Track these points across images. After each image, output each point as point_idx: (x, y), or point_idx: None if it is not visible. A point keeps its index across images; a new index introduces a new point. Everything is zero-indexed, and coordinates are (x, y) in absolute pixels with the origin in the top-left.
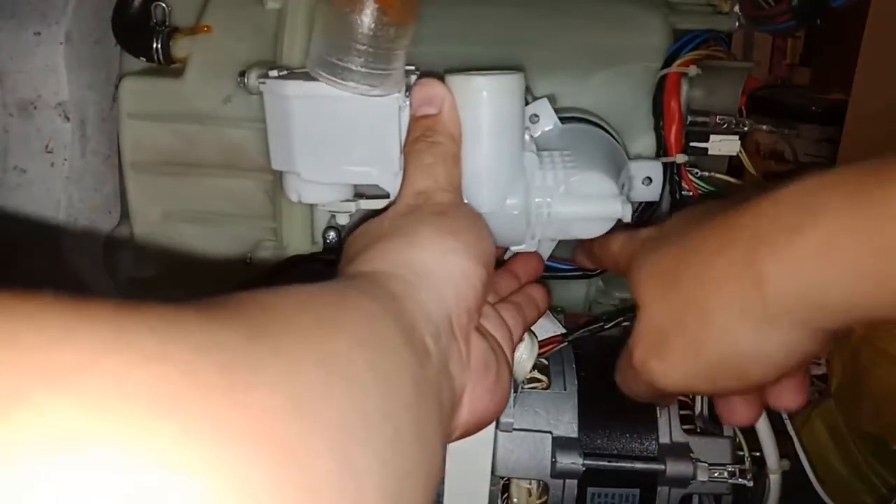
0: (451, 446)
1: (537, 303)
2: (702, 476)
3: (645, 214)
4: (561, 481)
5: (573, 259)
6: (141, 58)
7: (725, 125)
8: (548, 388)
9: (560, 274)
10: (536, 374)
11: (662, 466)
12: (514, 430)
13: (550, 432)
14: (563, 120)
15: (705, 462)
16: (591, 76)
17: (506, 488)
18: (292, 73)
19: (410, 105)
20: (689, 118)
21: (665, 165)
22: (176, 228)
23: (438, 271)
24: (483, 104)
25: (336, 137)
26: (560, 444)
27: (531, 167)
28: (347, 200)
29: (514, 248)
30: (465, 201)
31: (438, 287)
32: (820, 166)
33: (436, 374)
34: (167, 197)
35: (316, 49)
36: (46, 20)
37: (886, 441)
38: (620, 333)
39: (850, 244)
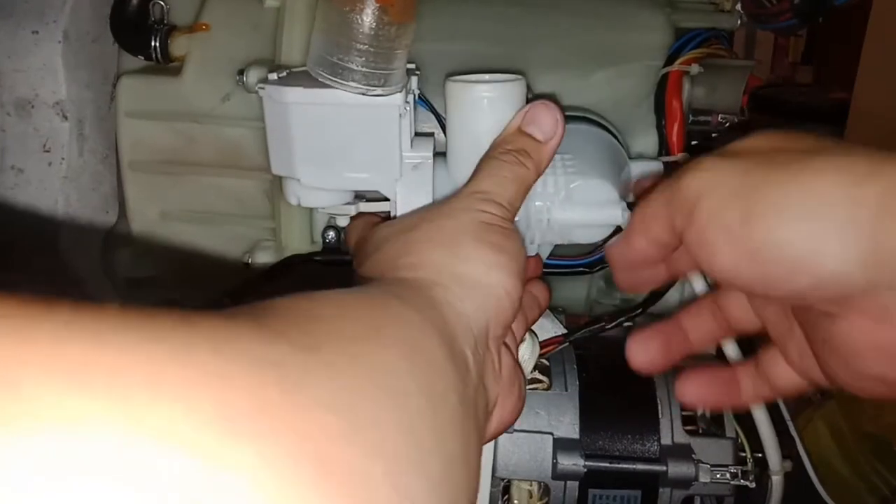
0: None
1: (539, 301)
2: (704, 477)
3: None
4: (562, 483)
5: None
6: (139, 56)
7: (727, 124)
8: (549, 388)
9: (559, 270)
10: (537, 375)
11: (664, 468)
12: (515, 431)
13: (551, 433)
14: (565, 119)
15: (707, 463)
16: (592, 74)
17: (506, 490)
18: (292, 74)
19: (514, 118)
20: (691, 117)
21: (666, 165)
22: (174, 228)
23: (481, 284)
24: (484, 111)
25: (336, 144)
26: (561, 445)
27: None
28: (347, 204)
29: None
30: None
31: (480, 300)
32: None
33: (474, 389)
34: (165, 196)
35: (316, 48)
36: (44, 19)
37: (889, 442)
38: (621, 334)
39: None
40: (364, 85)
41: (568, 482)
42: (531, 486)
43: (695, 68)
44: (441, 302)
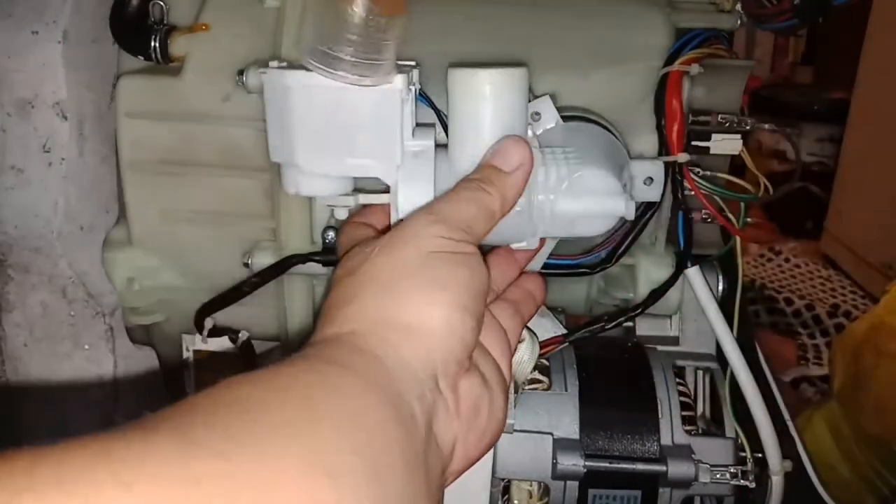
0: None
1: (534, 296)
2: (704, 477)
3: (646, 214)
4: (562, 483)
5: None
6: (139, 56)
7: (727, 124)
8: (548, 388)
9: (561, 270)
10: (537, 375)
11: (664, 468)
12: (515, 431)
13: (551, 433)
14: (564, 118)
15: (707, 463)
16: (592, 74)
17: (506, 490)
18: (292, 66)
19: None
20: (691, 117)
21: (667, 165)
22: (174, 228)
23: (422, 326)
24: (486, 98)
25: (336, 129)
26: (561, 445)
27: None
28: (346, 194)
29: (516, 246)
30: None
31: (422, 344)
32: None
33: (423, 443)
34: (165, 196)
35: (308, 38)
36: (44, 19)
37: (888, 442)
38: (622, 334)
39: None
40: (353, 75)
41: (568, 482)
42: (531, 486)
43: (695, 68)
44: (381, 358)
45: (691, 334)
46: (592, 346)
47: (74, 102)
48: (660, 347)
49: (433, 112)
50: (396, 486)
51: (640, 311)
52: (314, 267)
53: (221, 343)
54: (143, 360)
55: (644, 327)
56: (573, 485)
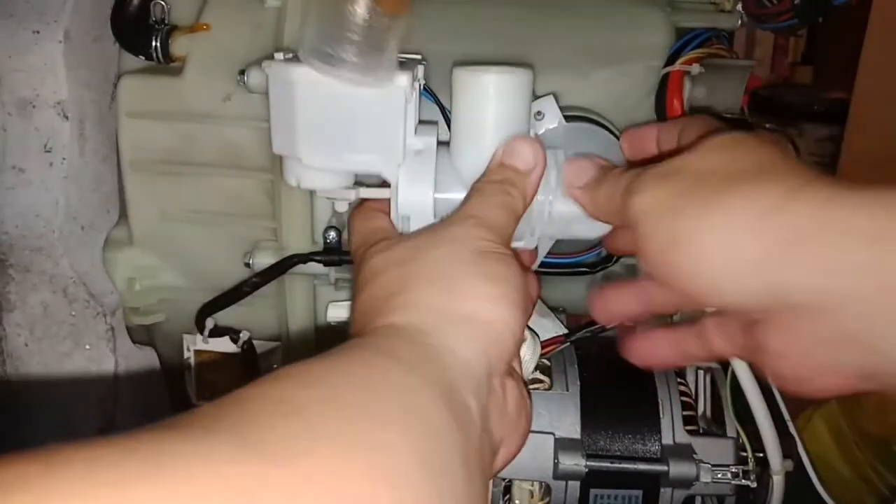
0: None
1: (531, 296)
2: (705, 477)
3: None
4: (563, 482)
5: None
6: (140, 56)
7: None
8: (550, 388)
9: (561, 269)
10: (538, 375)
11: (665, 467)
12: None
13: (553, 433)
14: (565, 119)
15: (708, 463)
16: (593, 74)
17: (507, 490)
18: (297, 59)
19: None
20: None
21: None
22: (174, 228)
23: (479, 322)
24: (489, 99)
25: (340, 124)
26: (562, 445)
27: None
28: (347, 188)
29: (513, 245)
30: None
31: (479, 338)
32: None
33: (478, 440)
34: (166, 196)
35: (309, 37)
36: (45, 18)
37: (889, 442)
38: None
39: None
40: (355, 74)
41: (569, 482)
42: (532, 486)
43: (695, 68)
44: (438, 350)
45: None
46: (593, 345)
47: (75, 102)
48: None
49: (437, 107)
50: (455, 486)
51: None
52: (315, 267)
53: (222, 343)
54: (144, 360)
55: (645, 327)
56: (574, 484)
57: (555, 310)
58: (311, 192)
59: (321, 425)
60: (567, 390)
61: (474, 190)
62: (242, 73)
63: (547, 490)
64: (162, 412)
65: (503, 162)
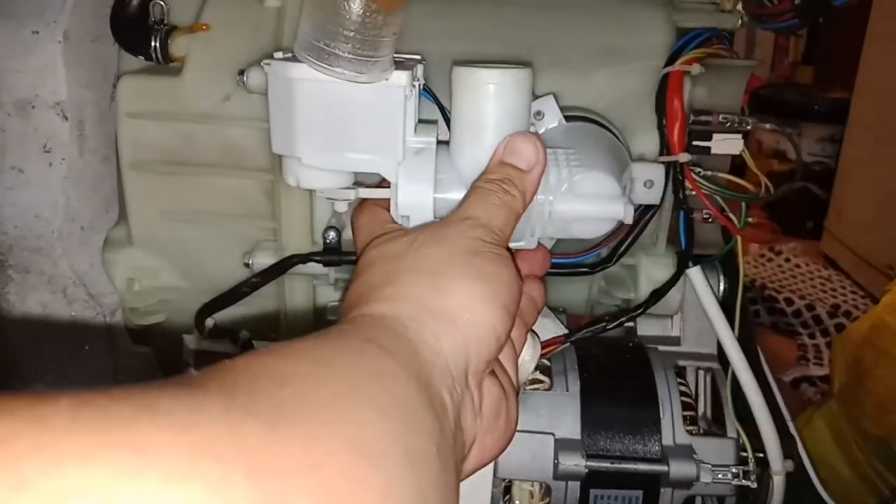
0: None
1: (536, 303)
2: (705, 477)
3: (645, 216)
4: (563, 483)
5: None
6: (139, 56)
7: (728, 124)
8: (550, 389)
9: (561, 270)
10: (538, 376)
11: (666, 468)
12: (517, 431)
13: (553, 434)
14: (566, 119)
15: (709, 463)
16: (593, 74)
17: (508, 490)
18: (297, 59)
19: (501, 151)
20: (692, 117)
21: (668, 165)
22: (174, 228)
23: (463, 320)
24: (489, 97)
25: (339, 123)
26: (562, 445)
27: None
28: (347, 188)
29: (513, 245)
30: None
31: (460, 336)
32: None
33: (451, 435)
34: (165, 196)
35: (304, 33)
36: (44, 19)
37: (888, 442)
38: (623, 334)
39: None
40: (350, 71)
41: (569, 482)
42: (532, 486)
43: (696, 68)
44: (418, 342)
45: (692, 334)
46: (594, 346)
47: (75, 102)
48: (661, 347)
49: (436, 107)
50: (432, 474)
51: (641, 311)
52: (315, 267)
53: (222, 343)
54: (143, 360)
55: (645, 327)
56: (574, 485)
57: (555, 310)
58: (311, 192)
59: (307, 397)
60: (567, 390)
61: (474, 188)
62: (242, 73)
63: (547, 490)
64: None
65: (503, 160)
